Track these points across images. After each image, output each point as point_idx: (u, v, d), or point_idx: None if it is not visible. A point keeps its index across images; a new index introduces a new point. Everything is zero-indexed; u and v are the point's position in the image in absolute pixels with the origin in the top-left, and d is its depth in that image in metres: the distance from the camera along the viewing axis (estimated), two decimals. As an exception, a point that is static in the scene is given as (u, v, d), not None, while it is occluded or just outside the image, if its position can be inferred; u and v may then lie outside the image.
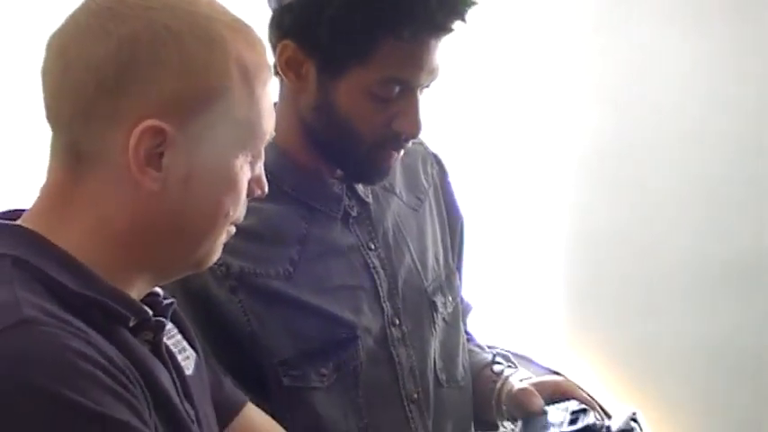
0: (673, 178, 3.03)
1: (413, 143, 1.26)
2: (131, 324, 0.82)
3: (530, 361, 2.82)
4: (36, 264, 0.78)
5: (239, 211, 0.87)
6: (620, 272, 3.04)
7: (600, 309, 3.09)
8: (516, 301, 3.02)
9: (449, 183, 1.39)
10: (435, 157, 1.38)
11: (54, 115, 0.83)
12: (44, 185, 0.84)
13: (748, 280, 2.97)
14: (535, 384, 1.25)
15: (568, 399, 1.24)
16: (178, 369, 0.88)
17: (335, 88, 1.07)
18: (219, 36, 0.82)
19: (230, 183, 0.84)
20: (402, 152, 1.17)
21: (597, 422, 1.20)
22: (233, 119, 0.83)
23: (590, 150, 3.02)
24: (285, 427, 1.07)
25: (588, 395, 1.28)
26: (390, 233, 1.22)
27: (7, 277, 0.77)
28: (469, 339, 1.42)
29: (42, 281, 0.77)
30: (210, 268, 0.97)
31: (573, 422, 1.20)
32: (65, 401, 0.68)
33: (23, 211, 0.85)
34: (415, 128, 1.11)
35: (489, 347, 1.44)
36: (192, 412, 0.87)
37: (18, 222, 0.83)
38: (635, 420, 1.20)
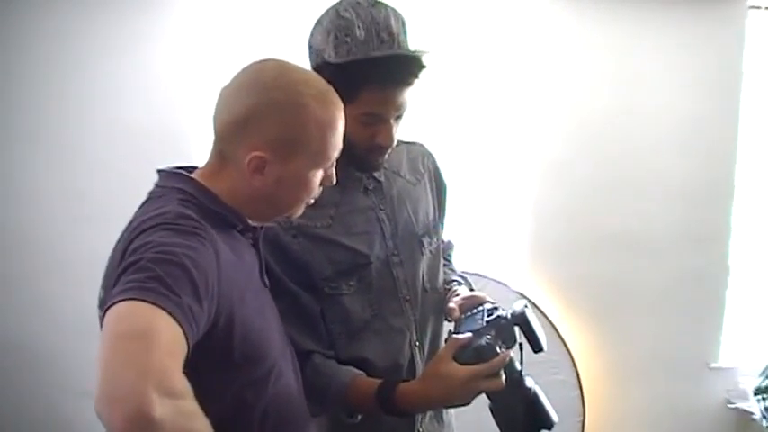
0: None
1: (417, 145, 1.99)
2: (239, 228, 1.44)
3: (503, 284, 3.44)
4: (192, 192, 1.37)
5: (313, 195, 1.50)
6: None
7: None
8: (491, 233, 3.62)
9: (438, 169, 2.03)
10: (431, 154, 2.03)
11: (215, 131, 1.43)
12: (207, 163, 1.46)
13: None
14: (463, 298, 1.83)
15: (482, 304, 1.75)
16: (261, 259, 1.53)
17: None
18: (305, 105, 1.40)
19: (305, 186, 1.46)
20: (388, 154, 1.75)
21: (502, 312, 1.67)
22: (309, 153, 1.42)
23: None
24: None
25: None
26: (395, 199, 1.85)
27: (174, 199, 1.35)
28: (447, 265, 2.09)
29: (193, 202, 1.36)
30: (279, 223, 1.67)
31: (489, 315, 1.67)
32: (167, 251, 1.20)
33: (195, 168, 1.47)
34: (388, 142, 1.70)
35: (461, 273, 2.11)
36: (264, 282, 1.52)
37: (187, 174, 1.43)
38: (526, 306, 1.67)
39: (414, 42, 1.73)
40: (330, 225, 1.77)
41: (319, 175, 1.48)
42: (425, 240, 1.90)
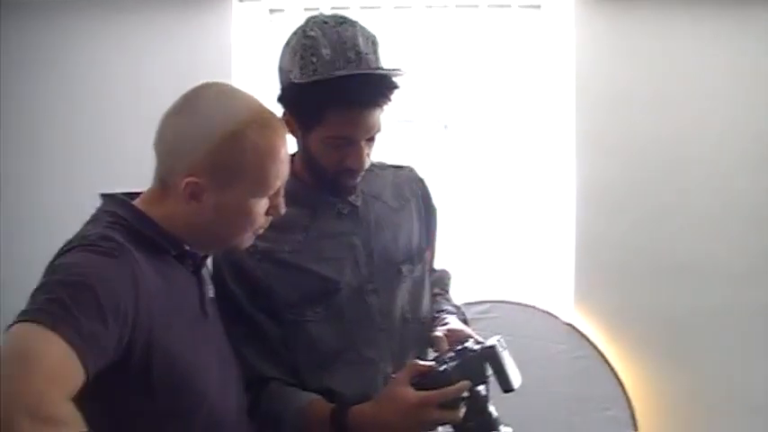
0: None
1: (405, 169, 1.94)
2: (173, 254, 1.40)
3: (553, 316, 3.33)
4: (124, 215, 1.34)
5: (257, 226, 1.46)
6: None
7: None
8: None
9: (428, 194, 1.95)
10: (421, 179, 1.96)
11: (156, 156, 1.42)
12: (149, 188, 1.43)
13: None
14: (450, 330, 1.72)
15: (469, 339, 1.64)
16: (203, 287, 1.48)
17: (308, 140, 1.66)
18: (242, 131, 1.37)
19: (246, 215, 1.43)
20: (360, 177, 1.70)
21: (471, 345, 1.58)
22: (248, 181, 1.39)
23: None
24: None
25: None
26: (373, 224, 1.79)
27: (103, 222, 1.33)
28: (441, 294, 2.00)
29: (122, 224, 1.33)
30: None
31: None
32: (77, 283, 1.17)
33: (139, 194, 1.43)
34: (359, 165, 1.66)
35: (455, 304, 1.99)
36: (205, 311, 1.46)
37: (125, 198, 1.40)
38: (499, 341, 1.55)
39: (390, 62, 1.68)
40: (298, 250, 1.72)
41: (263, 204, 1.45)
42: (405, 268, 1.83)
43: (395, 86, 1.62)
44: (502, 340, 1.59)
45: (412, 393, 1.52)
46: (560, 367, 3.25)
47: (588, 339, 3.34)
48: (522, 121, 3.57)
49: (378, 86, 1.61)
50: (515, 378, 1.56)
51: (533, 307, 3.37)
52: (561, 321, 3.36)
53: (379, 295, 1.77)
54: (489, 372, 1.55)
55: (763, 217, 3.48)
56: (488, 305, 3.30)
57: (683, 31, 3.45)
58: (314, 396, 1.66)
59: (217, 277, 1.64)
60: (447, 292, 2.06)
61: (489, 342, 1.57)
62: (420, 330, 1.84)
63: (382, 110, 1.65)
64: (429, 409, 1.51)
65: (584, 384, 3.27)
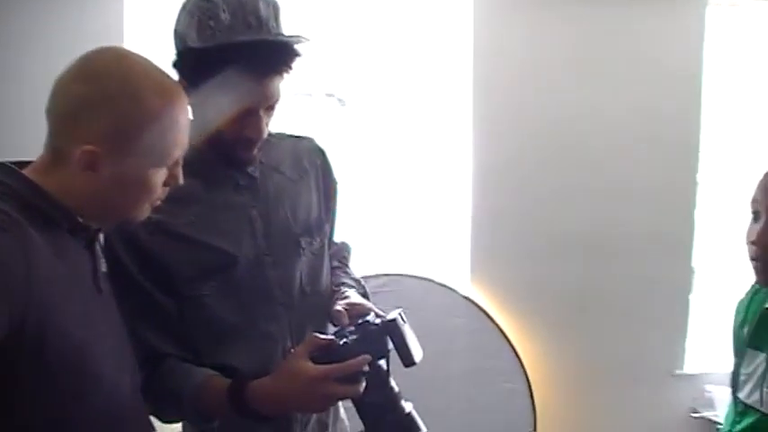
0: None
1: (305, 140, 1.88)
2: (66, 226, 1.30)
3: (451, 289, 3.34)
4: (14, 186, 1.25)
5: (155, 197, 1.38)
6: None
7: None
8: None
9: (328, 165, 1.90)
10: (321, 150, 1.90)
11: (48, 124, 1.31)
12: (40, 157, 1.32)
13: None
14: (350, 304, 1.67)
15: (370, 314, 1.60)
16: (97, 262, 1.39)
17: None
18: (142, 97, 1.29)
19: (144, 186, 1.35)
20: (258, 148, 1.65)
21: (372, 319, 1.55)
22: (147, 150, 1.31)
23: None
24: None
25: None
26: (271, 196, 1.73)
27: None
28: (340, 268, 1.96)
29: (12, 196, 1.23)
30: None
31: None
32: None
33: (29, 163, 1.32)
34: (258, 135, 1.61)
35: (355, 277, 1.96)
36: (99, 286, 1.38)
37: (15, 167, 1.29)
38: (400, 315, 1.53)
39: (291, 30, 1.62)
40: (194, 223, 1.64)
41: (162, 174, 1.37)
42: (304, 240, 1.79)
43: (297, 54, 1.57)
44: (403, 314, 1.56)
45: (311, 367, 1.47)
46: (458, 340, 3.26)
47: (485, 313, 3.37)
48: (421, 98, 3.56)
49: (279, 54, 1.56)
50: (417, 352, 1.54)
51: (431, 281, 3.37)
52: (459, 295, 3.38)
53: (277, 268, 1.72)
54: (390, 346, 1.52)
55: (654, 195, 3.58)
56: (386, 279, 3.28)
57: (579, 15, 3.49)
58: (211, 372, 1.61)
59: (109, 251, 1.55)
60: (347, 265, 2.02)
61: (390, 316, 1.54)
62: (319, 304, 1.80)
63: (283, 78, 1.60)
64: (328, 384, 1.46)
65: (482, 357, 3.30)
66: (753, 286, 1.92)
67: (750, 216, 1.74)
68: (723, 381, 3.51)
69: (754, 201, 1.71)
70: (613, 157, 3.52)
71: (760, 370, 1.75)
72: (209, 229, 1.65)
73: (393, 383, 1.56)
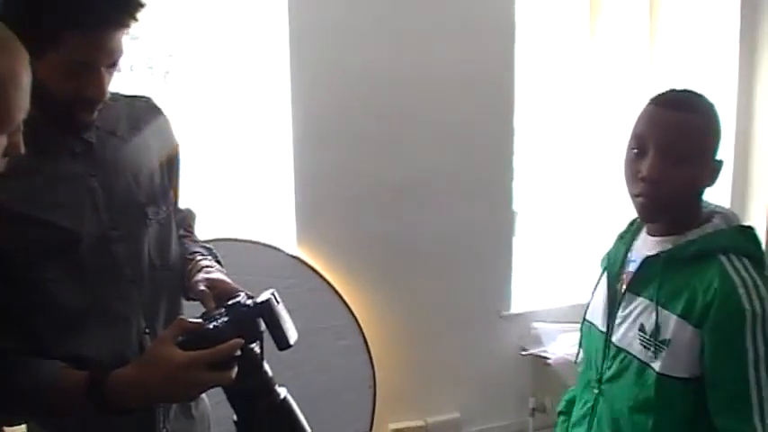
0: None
1: (141, 99, 1.70)
2: None
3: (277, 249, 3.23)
4: None
5: None
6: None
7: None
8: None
9: (168, 126, 1.74)
10: (159, 110, 1.73)
11: None
12: None
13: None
14: (210, 280, 1.57)
15: (238, 295, 1.49)
16: None
17: (37, 67, 1.27)
18: None
19: None
20: (98, 110, 1.48)
21: (243, 300, 1.45)
22: None
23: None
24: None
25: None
26: (110, 164, 1.56)
27: None
28: (187, 236, 1.84)
29: None
30: None
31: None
32: None
33: None
34: (99, 94, 1.44)
35: (204, 244, 1.85)
36: None
37: None
38: (273, 295, 1.45)
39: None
40: (26, 198, 1.44)
41: (2, 142, 1.16)
42: (150, 210, 1.63)
43: (141, 4, 1.41)
44: (276, 294, 1.47)
45: (178, 354, 1.33)
46: (291, 301, 3.11)
47: (316, 271, 3.30)
48: (238, 57, 3.42)
49: (122, 4, 1.39)
50: (292, 334, 1.46)
51: (258, 243, 3.26)
52: (287, 255, 3.28)
53: (124, 243, 1.56)
54: (263, 328, 1.42)
55: (474, 143, 3.60)
56: (211, 244, 3.11)
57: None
58: (61, 364, 1.42)
59: None
60: (192, 232, 1.89)
61: (263, 296, 1.44)
62: (171, 278, 1.67)
63: (125, 32, 1.43)
64: (198, 371, 1.32)
65: (316, 316, 3.24)
66: (625, 229, 1.93)
67: (632, 152, 1.70)
68: (546, 318, 3.70)
69: (640, 136, 1.67)
70: (433, 108, 3.50)
71: (635, 313, 1.76)
72: (46, 205, 1.46)
73: (267, 368, 1.45)
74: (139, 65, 3.36)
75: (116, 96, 1.64)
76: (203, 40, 3.38)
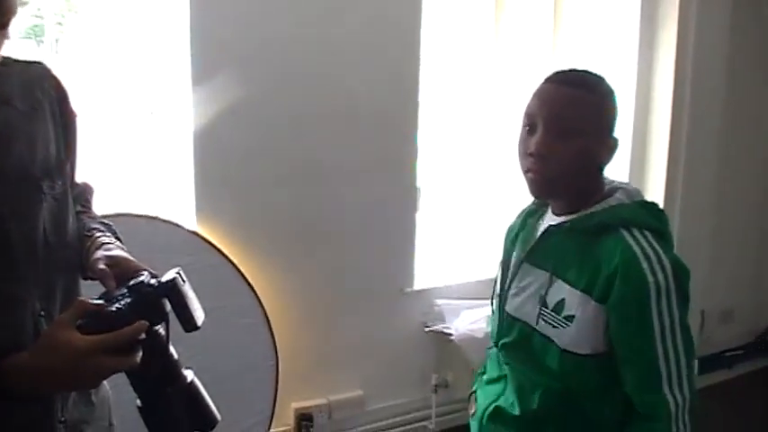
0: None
1: (36, 65, 1.58)
2: None
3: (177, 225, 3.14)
4: None
5: None
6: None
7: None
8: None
9: (65, 94, 1.63)
10: (55, 77, 1.62)
11: None
12: None
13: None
14: (111, 258, 1.49)
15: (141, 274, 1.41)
16: None
17: None
18: None
19: None
20: None
21: (146, 279, 1.37)
22: None
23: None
24: None
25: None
26: (1, 135, 1.44)
27: None
28: (85, 212, 1.74)
29: None
30: None
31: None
32: None
33: None
34: None
35: (103, 220, 1.77)
36: None
37: None
38: (179, 274, 1.39)
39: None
40: None
41: None
42: (45, 184, 1.52)
43: None
44: (182, 272, 1.40)
45: (78, 338, 1.25)
46: (191, 279, 3.06)
47: (216, 248, 3.21)
48: (136, 24, 3.32)
49: None
50: (199, 315, 1.39)
51: (156, 218, 3.14)
52: (186, 231, 3.18)
53: (16, 220, 1.44)
54: (169, 309, 1.36)
55: (378, 121, 3.57)
56: (109, 219, 3.00)
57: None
58: None
59: None
60: (90, 208, 1.79)
61: (168, 275, 1.37)
62: (67, 256, 1.56)
63: None
64: (100, 356, 1.25)
65: (216, 295, 3.12)
66: (525, 209, 1.94)
67: (524, 129, 1.71)
68: (450, 294, 3.71)
69: (531, 114, 1.69)
70: (336, 83, 3.44)
71: (534, 285, 1.77)
72: None
73: (173, 351, 1.40)
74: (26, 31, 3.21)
75: (7, 61, 1.52)
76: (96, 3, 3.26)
